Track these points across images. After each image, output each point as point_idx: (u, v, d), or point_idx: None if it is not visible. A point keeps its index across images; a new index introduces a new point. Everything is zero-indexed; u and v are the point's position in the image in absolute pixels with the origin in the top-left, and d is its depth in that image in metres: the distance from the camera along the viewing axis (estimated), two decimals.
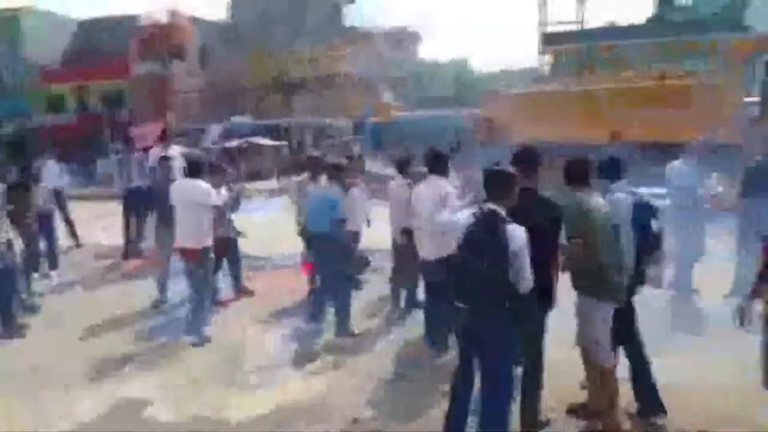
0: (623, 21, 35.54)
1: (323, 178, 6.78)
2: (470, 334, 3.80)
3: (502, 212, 3.70)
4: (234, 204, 7.37)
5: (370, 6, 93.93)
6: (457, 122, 16.88)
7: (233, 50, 36.57)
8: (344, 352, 5.89)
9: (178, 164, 8.28)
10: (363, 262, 7.33)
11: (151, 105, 31.03)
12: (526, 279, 3.62)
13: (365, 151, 17.82)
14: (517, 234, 3.61)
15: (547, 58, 32.55)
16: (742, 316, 3.74)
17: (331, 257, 6.27)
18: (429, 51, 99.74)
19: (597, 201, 4.13)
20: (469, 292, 3.71)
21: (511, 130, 13.95)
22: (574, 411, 4.45)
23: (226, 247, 7.41)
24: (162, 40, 33.24)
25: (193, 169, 6.54)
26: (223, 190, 7.12)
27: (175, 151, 9.60)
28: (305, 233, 6.90)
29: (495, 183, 3.81)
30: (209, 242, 6.47)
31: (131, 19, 34.24)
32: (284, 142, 24.04)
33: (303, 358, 5.75)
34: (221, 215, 6.95)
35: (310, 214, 6.56)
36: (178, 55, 34.75)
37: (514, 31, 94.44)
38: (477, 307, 3.70)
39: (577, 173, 4.22)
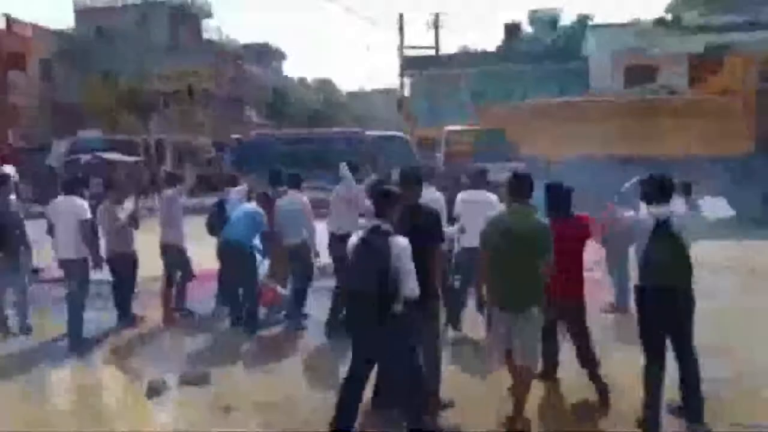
0: (475, 48, 37.71)
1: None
2: (365, 345, 4.04)
3: (386, 226, 3.95)
4: (131, 221, 7.07)
5: (232, 22, 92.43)
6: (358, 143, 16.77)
7: (81, 63, 34.47)
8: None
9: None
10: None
11: None
12: (411, 286, 3.85)
13: (228, 169, 17.55)
14: (398, 242, 3.87)
15: (407, 80, 34.02)
16: None
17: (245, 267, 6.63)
18: (293, 69, 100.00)
19: (530, 217, 4.29)
20: (360, 309, 3.94)
21: (531, 144, 13.60)
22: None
23: (127, 265, 7.04)
24: None
25: (68, 186, 6.55)
26: (128, 204, 7.11)
27: (11, 169, 9.03)
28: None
29: (376, 201, 4.14)
30: (86, 254, 6.37)
31: None
32: (140, 158, 22.93)
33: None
34: (119, 231, 6.84)
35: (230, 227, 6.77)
36: (16, 66, 32.15)
37: (373, 52, 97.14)
38: (368, 319, 3.87)
39: (517, 188, 4.35)
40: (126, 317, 7.04)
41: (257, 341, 6.42)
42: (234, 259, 6.70)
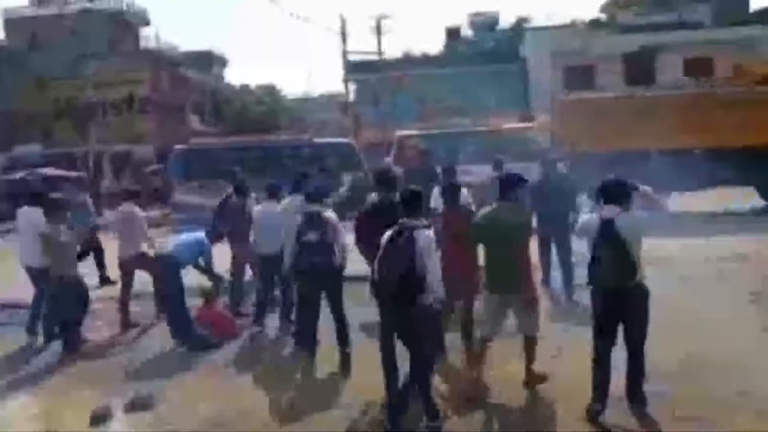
0: (417, 51, 38.09)
1: None
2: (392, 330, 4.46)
3: (414, 223, 4.38)
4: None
5: (171, 29, 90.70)
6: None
7: (13, 72, 33.14)
8: None
9: None
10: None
11: None
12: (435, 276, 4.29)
13: (172, 180, 17.14)
14: (425, 236, 4.30)
15: (351, 86, 34.02)
16: None
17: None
18: (236, 76, 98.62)
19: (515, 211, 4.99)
20: (388, 297, 4.33)
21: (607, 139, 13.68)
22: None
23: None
24: None
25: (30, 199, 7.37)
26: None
27: None
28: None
29: (405, 201, 4.57)
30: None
31: None
32: (81, 173, 22.11)
33: None
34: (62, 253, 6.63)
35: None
36: None
37: (315, 57, 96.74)
38: (395, 307, 4.32)
39: (503, 187, 5.06)
40: (70, 344, 6.66)
41: (201, 358, 6.27)
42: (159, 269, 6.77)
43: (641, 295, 4.37)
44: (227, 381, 5.68)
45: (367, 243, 5.22)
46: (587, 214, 5.09)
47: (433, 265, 4.29)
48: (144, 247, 7.54)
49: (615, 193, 4.46)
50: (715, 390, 4.75)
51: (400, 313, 4.30)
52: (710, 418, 4.33)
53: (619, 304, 4.36)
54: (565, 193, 7.71)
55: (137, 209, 7.68)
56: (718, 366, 5.16)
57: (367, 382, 4.94)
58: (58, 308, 6.70)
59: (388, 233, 4.40)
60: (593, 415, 4.34)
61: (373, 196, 5.83)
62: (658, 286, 4.86)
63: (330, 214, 5.70)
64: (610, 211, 4.39)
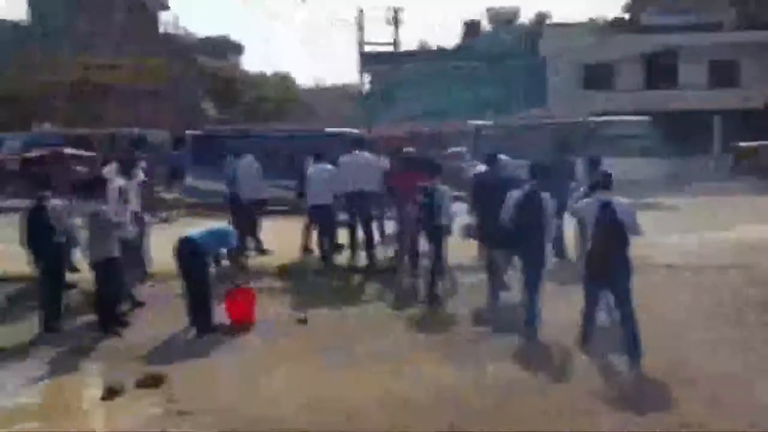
0: (433, 44, 37.96)
1: None
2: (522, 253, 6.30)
3: (538, 187, 6.18)
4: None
5: (189, 14, 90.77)
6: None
7: (32, 54, 33.31)
8: None
9: None
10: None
11: None
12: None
13: (186, 165, 17.16)
14: (546, 197, 6.10)
15: (366, 77, 34.00)
16: None
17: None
18: (252, 63, 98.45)
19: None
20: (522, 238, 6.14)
21: None
22: None
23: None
24: None
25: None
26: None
27: None
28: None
29: (533, 173, 6.33)
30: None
31: None
32: (94, 153, 22.21)
33: None
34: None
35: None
36: None
37: (330, 47, 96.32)
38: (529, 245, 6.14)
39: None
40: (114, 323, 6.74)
41: (213, 340, 6.34)
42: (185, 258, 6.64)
43: (625, 260, 5.48)
44: (244, 364, 5.73)
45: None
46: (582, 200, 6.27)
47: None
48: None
49: (609, 182, 5.76)
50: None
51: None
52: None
53: (607, 267, 5.51)
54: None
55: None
56: None
57: None
58: (114, 288, 6.78)
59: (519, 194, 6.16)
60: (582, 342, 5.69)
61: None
62: None
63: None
64: (606, 195, 5.64)
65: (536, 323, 6.08)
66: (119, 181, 7.50)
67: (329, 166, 9.22)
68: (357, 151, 9.31)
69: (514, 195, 6.16)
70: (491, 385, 5.07)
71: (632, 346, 5.33)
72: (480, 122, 17.21)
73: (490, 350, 5.81)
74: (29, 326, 6.83)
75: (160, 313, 7.23)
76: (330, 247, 9.22)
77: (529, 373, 5.29)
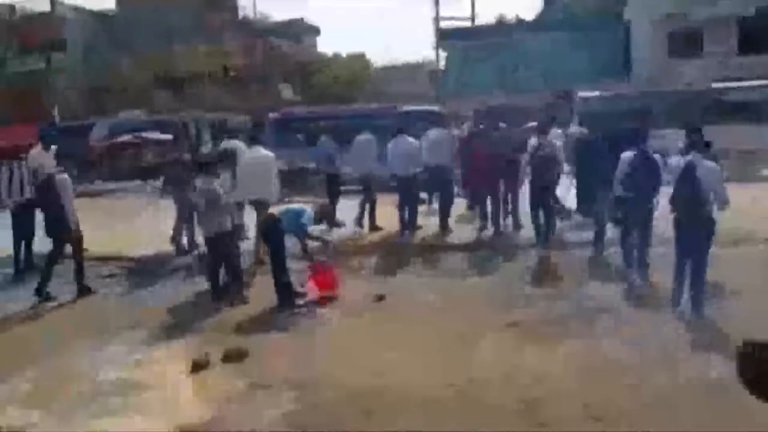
0: (512, 15, 36.90)
1: None
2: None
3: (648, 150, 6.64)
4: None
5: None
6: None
7: (122, 43, 34.88)
8: None
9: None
10: None
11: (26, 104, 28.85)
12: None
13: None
14: (656, 158, 6.59)
15: (441, 53, 33.52)
16: None
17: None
18: (328, 44, 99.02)
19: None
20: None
21: None
22: None
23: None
24: (41, 31, 31.19)
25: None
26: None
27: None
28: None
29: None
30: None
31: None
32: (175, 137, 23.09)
33: None
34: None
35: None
36: (58, 48, 32.74)
37: (405, 24, 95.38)
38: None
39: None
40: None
41: (296, 317, 6.48)
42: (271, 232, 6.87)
43: (707, 222, 5.67)
44: (326, 339, 5.84)
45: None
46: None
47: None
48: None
49: (701, 144, 5.82)
50: None
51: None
52: None
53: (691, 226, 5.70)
54: None
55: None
56: None
57: None
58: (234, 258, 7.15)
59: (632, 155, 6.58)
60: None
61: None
62: None
63: None
64: (694, 156, 5.73)
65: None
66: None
67: (411, 139, 9.76)
68: (435, 128, 10.21)
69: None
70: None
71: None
72: (585, 93, 16.67)
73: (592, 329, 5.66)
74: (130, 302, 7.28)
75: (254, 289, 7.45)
76: (413, 217, 9.70)
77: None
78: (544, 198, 8.46)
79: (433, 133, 10.14)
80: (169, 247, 9.25)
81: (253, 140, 9.37)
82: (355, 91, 36.55)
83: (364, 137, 10.72)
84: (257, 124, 26.59)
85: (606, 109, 14.63)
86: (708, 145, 5.91)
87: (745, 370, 2.38)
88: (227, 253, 7.01)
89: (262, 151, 8.82)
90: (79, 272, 7.62)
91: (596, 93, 16.61)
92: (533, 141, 8.54)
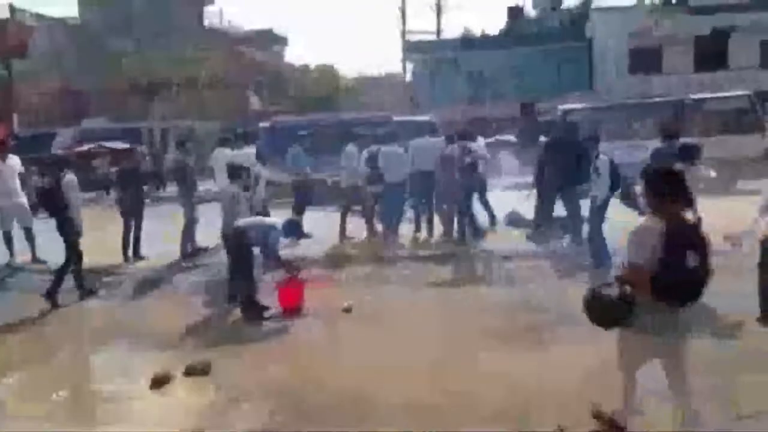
0: (478, 30, 37.45)
1: None
2: None
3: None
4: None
5: (233, 8, 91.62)
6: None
7: (85, 50, 34.34)
8: None
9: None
10: None
11: None
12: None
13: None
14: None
15: (409, 66, 33.86)
16: None
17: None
18: (294, 55, 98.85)
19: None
20: None
21: None
22: None
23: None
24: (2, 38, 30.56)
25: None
26: None
27: (16, 160, 9.41)
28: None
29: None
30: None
31: None
32: (141, 147, 22.81)
33: None
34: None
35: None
36: (20, 54, 32.09)
37: (371, 37, 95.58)
38: None
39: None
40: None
41: (261, 327, 6.48)
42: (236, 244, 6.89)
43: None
44: (289, 350, 5.84)
45: None
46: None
47: None
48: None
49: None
50: None
51: None
52: None
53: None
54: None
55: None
56: None
57: None
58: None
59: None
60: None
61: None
62: None
63: None
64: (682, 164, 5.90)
65: None
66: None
67: (400, 149, 10.20)
68: (427, 136, 10.75)
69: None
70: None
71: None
72: (568, 105, 16.95)
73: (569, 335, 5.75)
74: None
75: (211, 299, 7.50)
76: (396, 223, 10.14)
77: None
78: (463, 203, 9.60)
79: (420, 141, 10.47)
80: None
81: (238, 138, 10.43)
82: (330, 101, 36.60)
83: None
84: (226, 131, 26.33)
85: (586, 120, 14.87)
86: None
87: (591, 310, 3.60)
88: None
89: (246, 150, 9.73)
90: (78, 274, 7.65)
91: (579, 105, 16.96)
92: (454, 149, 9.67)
